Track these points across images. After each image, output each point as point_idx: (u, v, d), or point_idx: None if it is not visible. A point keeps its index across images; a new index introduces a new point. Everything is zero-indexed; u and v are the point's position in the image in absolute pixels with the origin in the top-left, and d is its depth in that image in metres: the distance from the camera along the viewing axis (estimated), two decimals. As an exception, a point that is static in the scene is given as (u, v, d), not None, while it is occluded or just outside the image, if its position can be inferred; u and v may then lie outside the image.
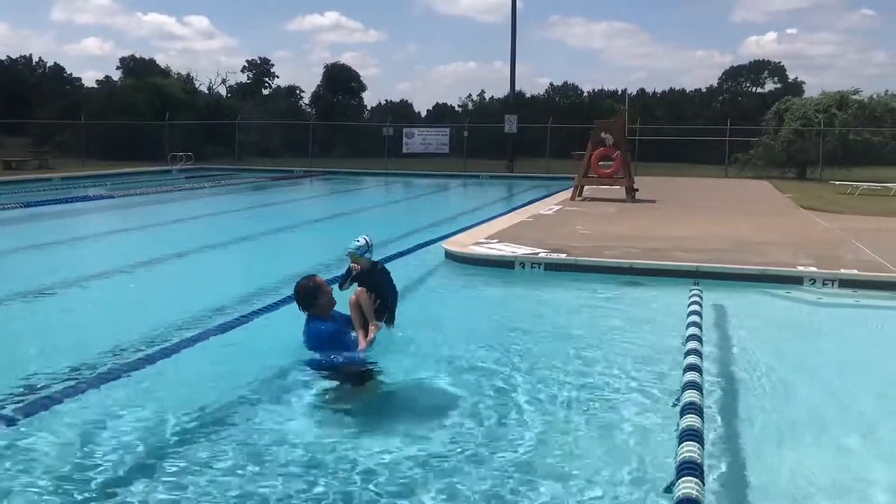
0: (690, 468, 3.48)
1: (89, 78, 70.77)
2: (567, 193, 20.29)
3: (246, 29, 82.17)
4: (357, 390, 5.43)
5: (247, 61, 60.24)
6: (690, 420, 3.96)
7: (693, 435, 3.78)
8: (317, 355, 5.64)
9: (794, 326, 7.82)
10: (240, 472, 4.09)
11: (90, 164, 32.67)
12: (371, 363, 5.70)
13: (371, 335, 5.82)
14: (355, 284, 6.07)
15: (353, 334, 5.87)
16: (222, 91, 57.34)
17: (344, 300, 6.06)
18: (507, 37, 34.58)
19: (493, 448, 4.44)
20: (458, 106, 60.67)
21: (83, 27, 79.12)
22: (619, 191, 19.95)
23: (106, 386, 5.39)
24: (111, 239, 13.88)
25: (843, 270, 9.28)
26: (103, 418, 4.80)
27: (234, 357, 6.25)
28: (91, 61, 79.57)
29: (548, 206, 17.73)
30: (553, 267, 9.81)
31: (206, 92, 54.90)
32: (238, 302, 7.94)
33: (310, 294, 5.76)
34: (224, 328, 6.92)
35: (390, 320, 6.14)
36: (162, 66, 55.59)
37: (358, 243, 5.98)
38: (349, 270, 6.13)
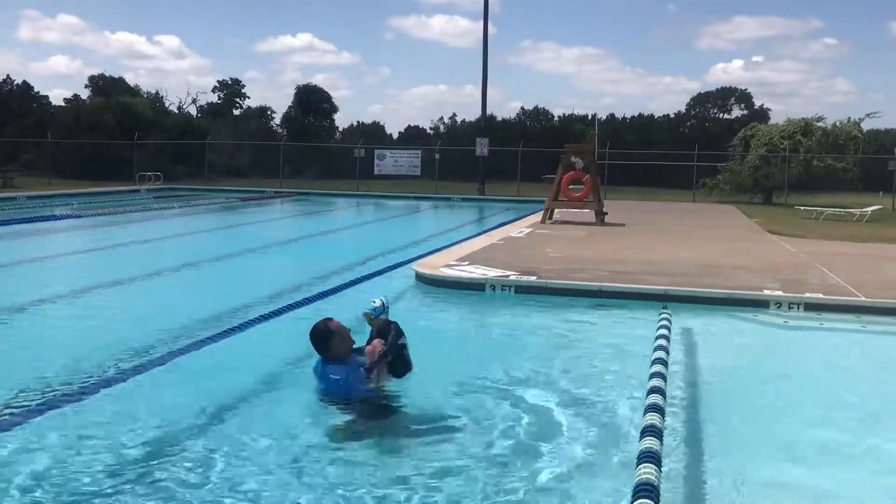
0: (647, 490, 3.49)
1: (57, 96, 70.02)
2: (538, 216, 20.40)
3: (217, 49, 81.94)
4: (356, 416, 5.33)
5: (218, 81, 60.07)
6: (649, 443, 3.98)
7: (651, 457, 3.79)
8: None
9: (761, 349, 7.91)
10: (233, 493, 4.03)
11: (57, 183, 32.26)
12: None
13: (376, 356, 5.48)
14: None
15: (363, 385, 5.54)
16: (193, 111, 57.08)
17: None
18: (479, 61, 34.91)
19: (458, 468, 4.42)
20: (430, 128, 61.03)
21: (51, 45, 78.45)
22: (588, 214, 20.12)
23: (68, 407, 5.28)
24: (77, 259, 13.67)
25: (808, 294, 9.41)
26: (60, 443, 4.69)
27: (204, 377, 6.17)
28: (59, 80, 79.06)
29: (518, 229, 17.81)
30: (523, 290, 9.84)
31: (176, 112, 54.61)
32: (204, 323, 7.84)
33: (322, 338, 5.45)
34: (192, 348, 6.83)
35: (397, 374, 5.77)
36: (131, 85, 55.26)
37: (375, 305, 5.71)
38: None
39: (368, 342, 5.74)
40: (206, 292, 10.36)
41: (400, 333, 5.72)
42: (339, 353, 5.45)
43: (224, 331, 7.43)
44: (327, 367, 5.44)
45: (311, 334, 5.50)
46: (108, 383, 5.82)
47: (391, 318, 5.74)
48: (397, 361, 5.72)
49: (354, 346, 5.57)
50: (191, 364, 6.49)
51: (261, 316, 7.99)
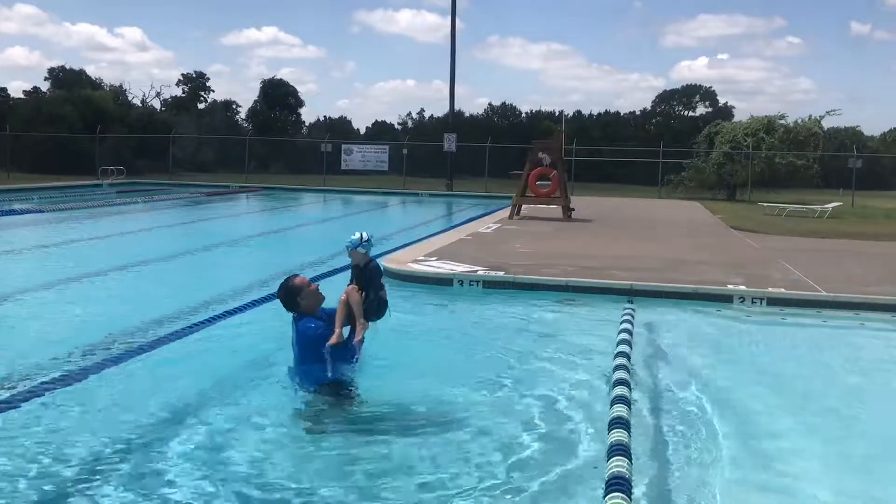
0: (619, 483, 3.50)
1: (16, 88, 68.65)
2: (505, 212, 20.45)
3: (181, 42, 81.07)
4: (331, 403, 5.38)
5: (182, 75, 59.18)
6: (618, 435, 4.00)
7: (621, 450, 3.81)
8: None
9: (724, 343, 7.99)
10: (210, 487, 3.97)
11: (16, 176, 31.58)
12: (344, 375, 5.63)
13: (358, 335, 5.67)
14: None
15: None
16: (156, 104, 56.26)
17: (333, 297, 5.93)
18: (447, 56, 34.91)
19: (421, 460, 4.41)
20: (398, 124, 60.86)
21: (8, 36, 76.73)
22: (556, 210, 20.22)
23: (28, 405, 5.16)
24: (37, 254, 13.38)
25: (770, 289, 9.55)
26: (18, 438, 4.59)
27: (185, 367, 6.08)
28: (17, 71, 77.22)
29: (486, 225, 17.83)
30: (491, 285, 9.85)
31: (140, 105, 53.76)
32: (164, 320, 7.72)
33: (289, 294, 5.72)
34: (153, 345, 6.72)
35: (367, 318, 5.89)
36: (93, 78, 54.26)
37: (353, 237, 5.92)
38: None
39: (351, 281, 5.89)
40: (167, 289, 10.18)
41: (377, 273, 5.86)
42: (310, 308, 5.70)
43: (185, 327, 7.33)
44: (301, 321, 5.65)
45: (278, 291, 5.80)
46: (63, 381, 5.69)
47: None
48: (378, 302, 5.81)
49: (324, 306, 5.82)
50: (152, 362, 6.38)
51: (222, 313, 7.89)
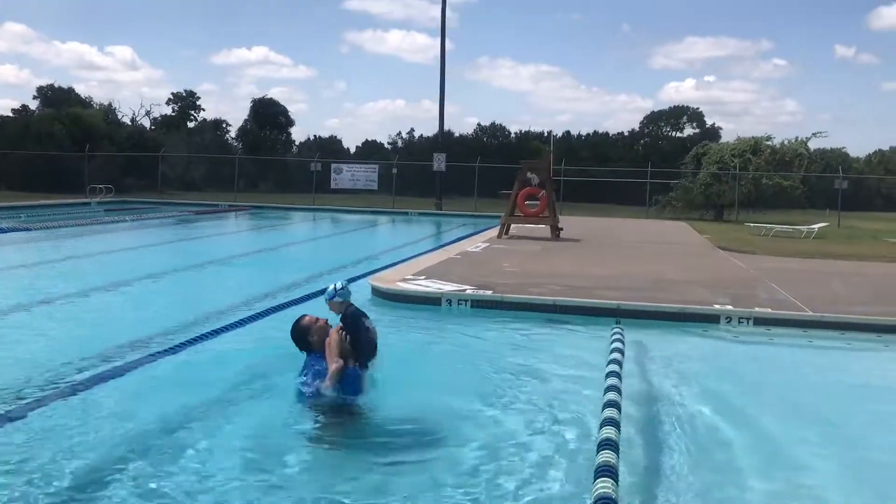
0: (606, 504, 3.50)
1: (4, 106, 68.47)
2: (494, 231, 20.50)
3: (171, 61, 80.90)
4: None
5: (172, 93, 59.12)
6: (606, 456, 4.00)
7: (608, 471, 3.81)
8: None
9: (711, 363, 8.03)
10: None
11: (4, 195, 31.42)
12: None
13: (330, 373, 5.60)
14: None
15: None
16: (146, 123, 56.20)
17: None
18: (437, 76, 35.11)
19: (408, 480, 4.40)
20: (388, 143, 60.92)
21: (-2, 54, 76.47)
22: (544, 229, 20.28)
23: (11, 425, 5.12)
24: (24, 272, 13.30)
25: (757, 309, 9.60)
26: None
27: (180, 386, 6.05)
28: (6, 89, 77.08)
29: (475, 244, 17.87)
30: (479, 304, 9.86)
31: (129, 124, 53.70)
32: (150, 338, 7.69)
33: (300, 336, 5.86)
34: (140, 363, 6.70)
35: (361, 363, 5.83)
36: (82, 96, 54.20)
37: (328, 289, 5.90)
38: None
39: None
40: (152, 307, 10.15)
41: (358, 316, 5.81)
42: (320, 343, 5.77)
43: (171, 347, 7.32)
44: (316, 357, 5.72)
45: (291, 335, 5.88)
46: (44, 401, 5.66)
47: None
48: (361, 345, 5.75)
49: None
50: (138, 379, 6.36)
51: (204, 334, 7.88)
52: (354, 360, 5.72)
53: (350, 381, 5.63)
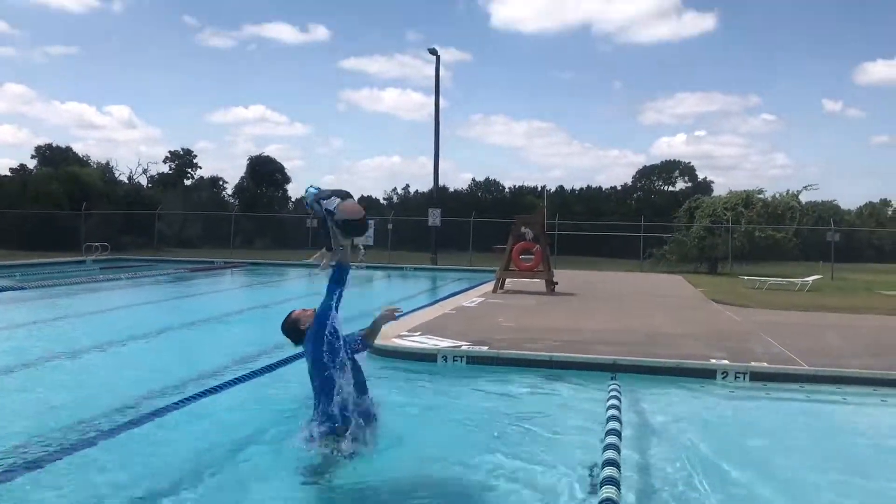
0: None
1: (3, 166, 69.00)
2: (489, 286, 20.54)
3: (168, 119, 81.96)
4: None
5: (169, 152, 59.92)
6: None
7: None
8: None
9: (708, 419, 7.97)
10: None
11: (1, 253, 31.43)
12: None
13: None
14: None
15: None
16: (143, 181, 56.65)
17: None
18: (431, 133, 35.54)
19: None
20: (384, 198, 61.47)
21: (-3, 115, 77.27)
22: (539, 284, 20.33)
23: (6, 486, 5.07)
24: (16, 332, 13.24)
25: (753, 363, 9.60)
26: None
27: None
28: (4, 149, 77.75)
29: (470, 299, 17.89)
30: (475, 360, 9.85)
31: (126, 182, 54.10)
32: (144, 398, 7.65)
33: (291, 328, 6.10)
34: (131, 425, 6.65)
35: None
36: (80, 155, 54.71)
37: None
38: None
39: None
40: (145, 366, 10.09)
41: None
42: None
43: (162, 407, 7.28)
44: (307, 336, 5.93)
45: (282, 331, 6.13)
46: (36, 464, 5.61)
47: None
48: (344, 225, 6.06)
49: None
50: (131, 441, 6.31)
51: (199, 392, 7.84)
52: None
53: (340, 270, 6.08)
